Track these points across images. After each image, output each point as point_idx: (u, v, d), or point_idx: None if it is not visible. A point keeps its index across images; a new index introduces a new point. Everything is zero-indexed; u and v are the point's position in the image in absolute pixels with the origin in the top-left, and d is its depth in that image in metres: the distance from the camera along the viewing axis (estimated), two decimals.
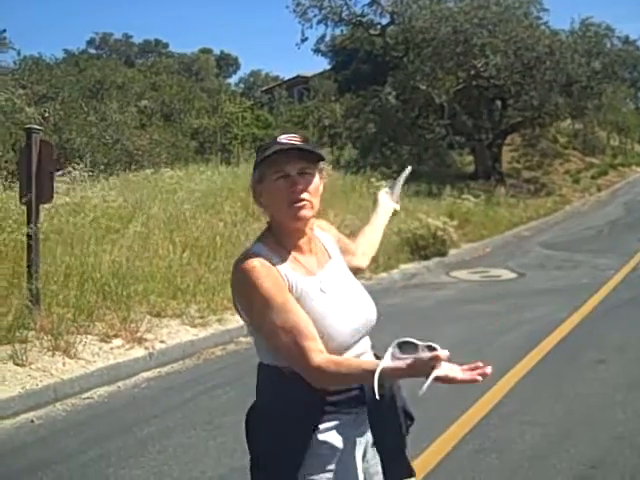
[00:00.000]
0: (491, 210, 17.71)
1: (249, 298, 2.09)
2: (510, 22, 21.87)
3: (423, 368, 1.80)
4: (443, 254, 12.80)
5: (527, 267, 12.26)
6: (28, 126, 7.29)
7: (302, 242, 2.19)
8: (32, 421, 5.30)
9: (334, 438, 2.11)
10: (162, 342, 7.08)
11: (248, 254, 2.13)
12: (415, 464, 4.17)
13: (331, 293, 2.15)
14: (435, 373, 1.78)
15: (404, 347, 1.87)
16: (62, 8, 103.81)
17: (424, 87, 22.51)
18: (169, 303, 7.93)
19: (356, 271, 2.48)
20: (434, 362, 1.79)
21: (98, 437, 4.95)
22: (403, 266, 11.71)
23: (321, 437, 2.09)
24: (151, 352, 6.80)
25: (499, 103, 24.90)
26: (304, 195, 2.10)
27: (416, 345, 1.85)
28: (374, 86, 24.37)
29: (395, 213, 2.83)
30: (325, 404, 2.08)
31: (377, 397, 1.87)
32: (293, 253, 2.17)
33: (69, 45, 77.33)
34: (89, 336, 6.78)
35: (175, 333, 7.37)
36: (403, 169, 2.88)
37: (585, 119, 28.63)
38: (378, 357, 2.25)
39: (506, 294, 9.88)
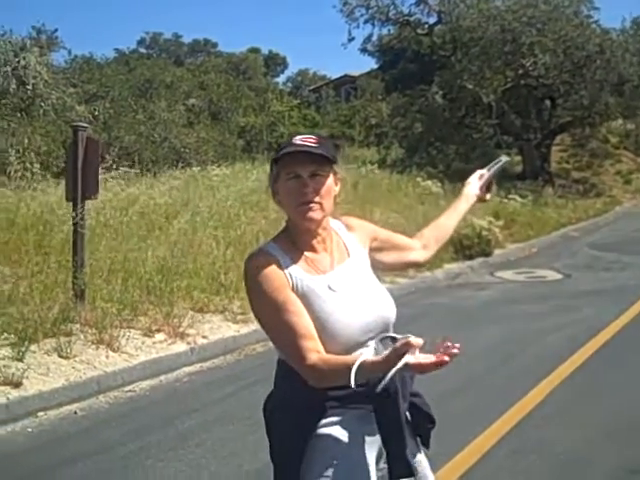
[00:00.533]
0: (538, 210, 17.49)
1: (252, 294, 2.17)
2: (559, 21, 21.56)
3: (395, 357, 1.80)
4: (488, 254, 12.68)
5: (574, 268, 12.08)
6: (75, 123, 7.41)
7: (315, 241, 2.23)
8: (75, 412, 5.39)
9: (338, 432, 2.14)
10: (204, 337, 7.14)
11: (258, 252, 2.21)
12: (453, 462, 4.22)
13: (341, 291, 2.18)
14: (404, 360, 1.77)
15: (385, 342, 1.89)
16: (113, 8, 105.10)
17: (471, 86, 22.31)
18: (212, 299, 8.00)
19: (413, 265, 2.55)
20: (405, 348, 1.78)
21: (139, 429, 5.02)
22: (447, 265, 11.63)
23: (325, 431, 2.13)
24: (193, 347, 6.87)
25: (548, 102, 24.56)
26: (313, 197, 2.14)
27: (396, 339, 1.87)
28: (421, 85, 24.25)
29: (483, 200, 2.76)
30: (329, 399, 2.12)
31: (378, 390, 1.87)
32: (305, 252, 2.21)
33: (120, 45, 78.26)
34: (132, 330, 6.87)
35: (217, 329, 7.43)
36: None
37: (637, 119, 28.04)
38: None
39: (551, 295, 9.75)
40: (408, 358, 1.77)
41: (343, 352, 2.04)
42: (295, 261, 2.17)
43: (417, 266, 2.51)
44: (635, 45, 22.21)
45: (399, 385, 2.11)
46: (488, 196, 2.75)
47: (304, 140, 2.16)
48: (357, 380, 1.85)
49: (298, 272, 2.15)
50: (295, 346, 2.03)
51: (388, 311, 2.24)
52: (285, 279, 2.12)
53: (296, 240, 2.21)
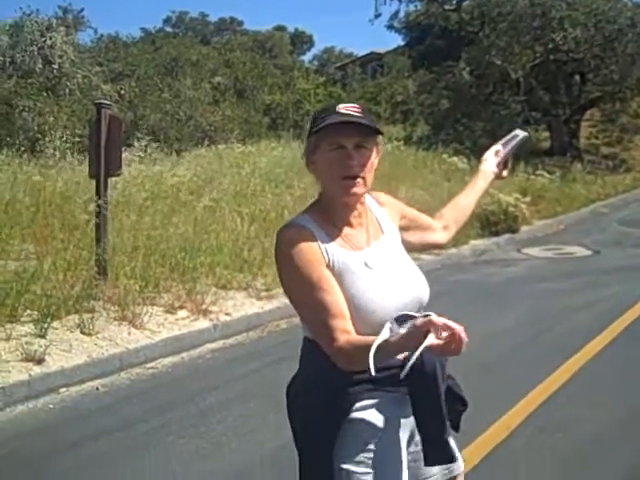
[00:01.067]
0: (566, 187, 17.24)
1: (283, 269, 2.04)
2: None
3: (418, 336, 1.68)
4: (514, 231, 12.52)
5: (603, 244, 11.89)
6: (98, 101, 7.37)
7: (351, 216, 2.10)
8: (97, 389, 5.39)
9: (374, 416, 2.02)
10: (227, 314, 7.10)
11: (291, 224, 2.07)
12: (480, 440, 4.15)
13: (377, 269, 2.06)
14: (427, 340, 1.65)
15: (402, 321, 1.76)
16: None
17: (499, 62, 21.99)
18: (235, 276, 7.96)
19: (434, 247, 2.41)
20: (427, 327, 1.67)
21: (160, 406, 4.99)
22: (473, 242, 11.50)
23: (359, 415, 2.01)
24: (216, 324, 6.83)
25: (578, 78, 24.16)
26: (358, 171, 2.01)
27: (414, 317, 1.74)
28: (448, 62, 23.92)
29: (500, 177, 2.63)
30: (363, 382, 1.99)
31: (402, 375, 1.76)
32: (340, 227, 2.08)
33: (146, 24, 78.36)
34: (155, 307, 6.85)
35: (240, 305, 7.39)
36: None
37: None
38: None
39: (579, 272, 9.60)
40: (431, 339, 1.66)
41: (374, 333, 1.83)
42: (330, 236, 2.04)
43: (437, 247, 2.41)
44: None
45: (438, 366, 2.01)
46: (505, 173, 2.61)
47: (348, 109, 2.02)
48: (377, 363, 1.73)
49: (334, 247, 2.02)
50: (326, 326, 1.91)
51: (423, 291, 2.13)
52: (320, 254, 1.99)
53: (331, 213, 2.08)
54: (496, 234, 12.17)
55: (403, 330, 1.74)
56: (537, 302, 7.86)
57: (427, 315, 1.70)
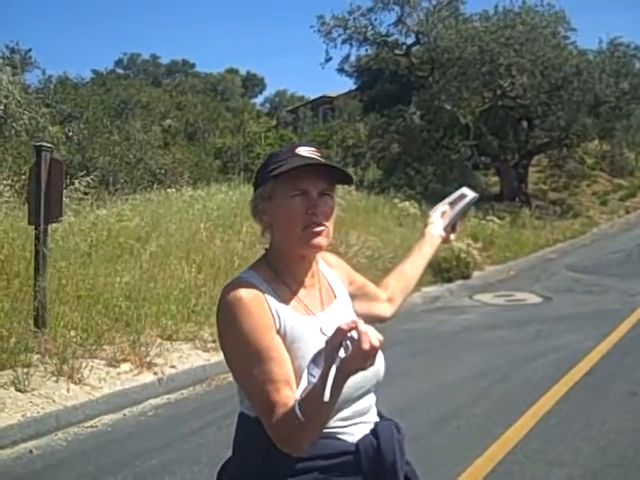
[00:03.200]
0: (516, 232, 17.37)
1: (227, 334, 1.80)
2: (537, 41, 21.53)
3: (331, 353, 1.51)
4: (466, 277, 12.48)
5: (554, 291, 11.89)
6: (37, 144, 7.11)
7: (304, 275, 1.89)
8: (31, 451, 5.06)
9: None
10: (172, 367, 6.84)
11: (238, 282, 1.83)
12: None
13: None
14: (341, 353, 1.49)
15: (317, 360, 1.58)
16: (91, 30, 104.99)
17: (449, 107, 22.23)
18: (181, 326, 7.70)
19: (378, 320, 2.14)
20: (340, 337, 1.50)
21: (97, 470, 4.70)
22: (425, 289, 11.39)
23: None
24: (160, 377, 6.56)
25: (525, 123, 24.52)
26: (322, 219, 1.81)
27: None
28: (399, 106, 24.15)
29: (447, 241, 2.40)
30: (311, 470, 1.76)
31: (325, 399, 1.51)
32: (292, 287, 1.87)
33: (97, 65, 77.86)
34: (96, 360, 6.55)
35: (186, 357, 7.13)
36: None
37: (613, 140, 28.06)
38: (382, 416, 1.97)
39: (531, 319, 9.53)
40: (345, 348, 1.49)
41: (333, 410, 1.65)
42: (282, 297, 1.82)
43: (381, 321, 2.15)
44: (611, 66, 22.23)
45: (398, 454, 1.83)
46: (453, 237, 2.41)
47: (310, 152, 1.84)
48: (303, 413, 1.55)
49: (286, 311, 1.80)
50: (270, 401, 1.67)
51: (381, 365, 1.92)
52: (271, 318, 1.77)
53: (282, 271, 1.86)
54: (449, 280, 12.12)
55: (317, 369, 1.57)
56: (490, 352, 7.74)
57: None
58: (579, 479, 4.37)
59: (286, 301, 1.83)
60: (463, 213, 2.42)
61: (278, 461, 1.72)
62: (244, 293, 1.77)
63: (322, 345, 1.68)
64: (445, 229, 2.37)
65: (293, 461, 1.73)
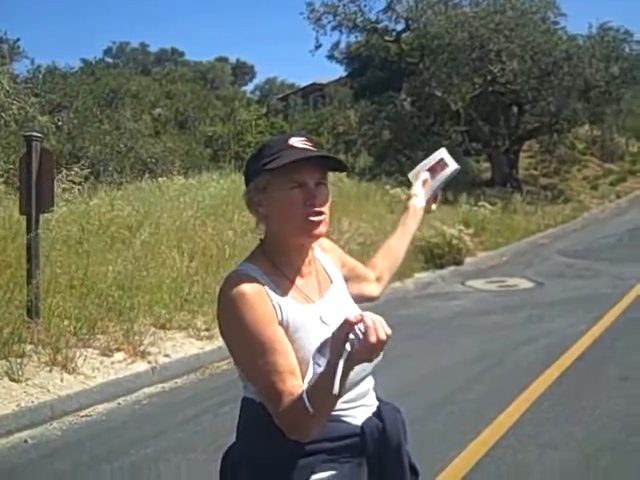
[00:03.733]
0: (508, 218, 17.40)
1: (230, 327, 1.82)
2: (527, 27, 21.52)
3: (338, 345, 1.53)
4: (458, 263, 12.50)
5: (545, 276, 11.93)
6: (27, 133, 7.09)
7: (301, 264, 1.91)
8: (26, 441, 5.07)
9: None
10: (166, 356, 6.85)
11: (236, 275, 1.84)
12: None
13: (333, 325, 1.81)
14: (348, 346, 1.50)
15: (323, 350, 1.59)
16: (80, 19, 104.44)
17: (440, 93, 22.22)
18: (175, 315, 7.70)
19: (367, 300, 2.16)
20: (346, 329, 1.51)
21: (91, 459, 4.71)
22: (417, 275, 11.43)
23: None
24: (154, 366, 6.57)
25: (516, 109, 24.54)
26: (322, 209, 1.83)
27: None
28: (389, 92, 24.12)
29: (429, 211, 2.39)
30: (318, 452, 1.79)
31: (334, 392, 1.54)
32: (290, 277, 1.88)
33: (86, 54, 77.48)
34: (90, 350, 6.56)
35: (180, 346, 7.14)
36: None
37: (603, 125, 28.15)
38: (380, 399, 1.99)
39: (523, 304, 9.57)
40: (352, 341, 1.50)
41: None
42: (281, 288, 1.84)
43: (370, 301, 2.18)
44: (601, 51, 22.24)
45: (402, 436, 1.86)
46: (434, 206, 2.39)
47: (303, 143, 1.84)
48: (312, 404, 1.56)
49: (286, 302, 1.82)
50: (277, 391, 1.69)
51: None
52: (272, 310, 1.79)
53: (278, 262, 1.87)
54: (441, 267, 12.14)
55: (324, 358, 1.58)
56: (482, 337, 7.77)
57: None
58: (571, 463, 4.40)
59: (286, 292, 1.85)
60: (444, 184, 2.39)
61: (284, 444, 1.74)
62: (246, 288, 1.78)
63: (323, 333, 1.71)
64: (427, 201, 2.36)
65: (299, 444, 1.74)
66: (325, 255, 2.05)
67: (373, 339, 1.49)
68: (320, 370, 1.57)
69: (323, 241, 2.08)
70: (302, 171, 1.81)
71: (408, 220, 2.34)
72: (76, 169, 12.57)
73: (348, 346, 1.50)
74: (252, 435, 1.87)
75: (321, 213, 1.83)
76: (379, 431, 1.85)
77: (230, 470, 1.91)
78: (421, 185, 2.36)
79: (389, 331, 1.52)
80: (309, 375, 1.60)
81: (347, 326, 1.51)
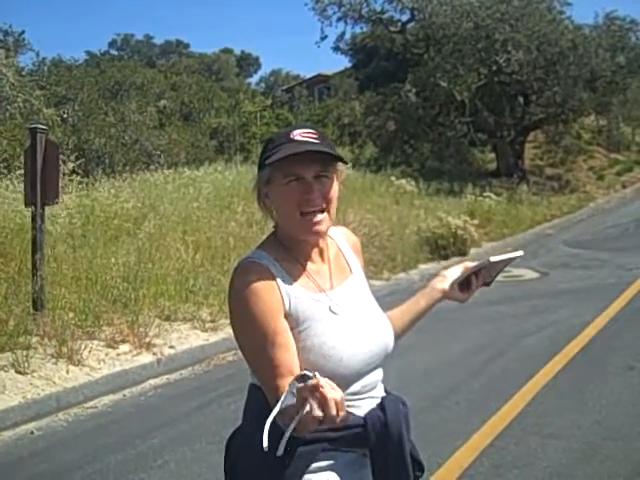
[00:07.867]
0: (513, 208, 17.37)
1: (237, 315, 1.81)
2: (532, 17, 21.45)
3: (297, 405, 1.45)
4: (464, 254, 12.48)
5: (550, 266, 11.91)
6: (33, 126, 7.09)
7: (313, 252, 1.89)
8: (32, 432, 5.10)
9: (331, 478, 1.82)
10: (171, 347, 6.87)
11: (247, 263, 1.83)
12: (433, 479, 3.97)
13: (344, 315, 1.84)
14: (306, 408, 1.41)
15: (300, 381, 1.48)
16: (84, 11, 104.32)
17: (445, 84, 22.17)
18: (179, 307, 7.72)
19: None
20: (304, 392, 1.42)
21: (98, 450, 4.73)
22: (422, 266, 11.43)
23: (313, 478, 1.80)
24: (159, 358, 6.59)
25: (521, 99, 24.45)
26: (320, 202, 1.79)
27: (309, 377, 1.46)
28: (394, 83, 24.06)
29: (459, 300, 2.14)
30: (319, 440, 1.78)
31: (278, 453, 1.49)
32: (303, 264, 1.86)
33: (91, 47, 77.56)
34: (95, 342, 6.58)
35: (185, 338, 7.16)
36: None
37: (610, 115, 27.97)
38: (387, 391, 1.98)
39: (528, 295, 9.56)
40: (308, 407, 1.40)
41: (339, 384, 1.54)
42: (292, 275, 1.83)
43: None
44: (607, 40, 22.17)
45: (404, 427, 1.84)
46: (464, 296, 2.13)
47: (304, 135, 1.81)
48: (285, 425, 1.48)
49: (296, 290, 1.81)
50: (274, 384, 1.68)
51: (389, 338, 1.92)
52: (280, 300, 1.77)
53: (290, 248, 1.86)
54: (446, 257, 12.12)
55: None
56: (487, 327, 7.78)
57: (314, 375, 1.44)
58: (576, 452, 4.40)
59: (297, 279, 1.84)
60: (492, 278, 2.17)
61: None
62: (254, 277, 1.77)
63: (331, 323, 1.74)
64: (452, 285, 2.12)
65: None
66: (348, 246, 2.03)
67: (316, 413, 1.41)
68: (288, 403, 1.51)
69: (348, 232, 2.08)
70: (298, 164, 1.78)
71: (419, 297, 2.16)
72: (76, 162, 12.56)
73: (308, 407, 1.42)
74: (257, 421, 1.84)
75: (319, 209, 1.80)
76: (381, 422, 1.85)
77: (235, 455, 1.91)
78: (460, 270, 2.15)
79: (334, 406, 1.41)
80: (282, 400, 1.52)
81: (305, 391, 1.43)
